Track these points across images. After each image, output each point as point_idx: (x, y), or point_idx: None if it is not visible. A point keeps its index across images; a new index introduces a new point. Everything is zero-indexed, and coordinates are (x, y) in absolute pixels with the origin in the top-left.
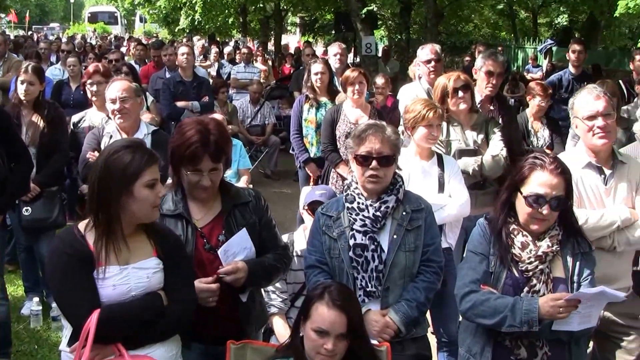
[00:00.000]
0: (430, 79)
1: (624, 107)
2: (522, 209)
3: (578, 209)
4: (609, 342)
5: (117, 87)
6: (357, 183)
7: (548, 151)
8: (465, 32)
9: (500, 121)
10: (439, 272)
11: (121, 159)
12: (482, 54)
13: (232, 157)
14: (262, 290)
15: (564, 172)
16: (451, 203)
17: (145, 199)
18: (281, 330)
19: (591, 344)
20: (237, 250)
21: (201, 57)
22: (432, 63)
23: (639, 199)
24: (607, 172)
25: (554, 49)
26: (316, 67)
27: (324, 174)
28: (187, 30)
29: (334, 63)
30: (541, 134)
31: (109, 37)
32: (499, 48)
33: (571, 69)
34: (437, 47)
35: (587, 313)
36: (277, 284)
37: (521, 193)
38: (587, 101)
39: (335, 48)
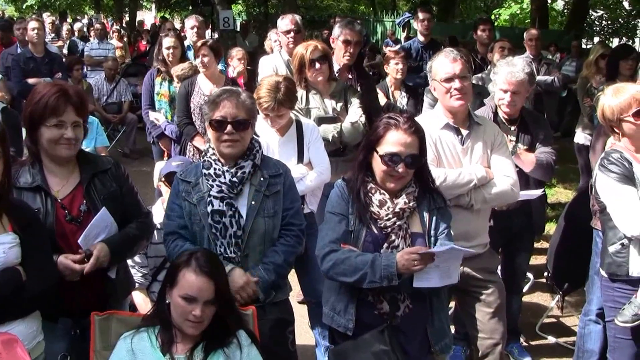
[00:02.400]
0: (289, 49)
1: (478, 75)
2: (379, 168)
3: (437, 168)
4: (469, 297)
5: None
6: (213, 149)
7: None
8: (324, 6)
9: (358, 89)
10: (300, 235)
11: None
12: (339, 23)
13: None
14: None
15: (417, 131)
16: (311, 173)
17: None
18: (142, 304)
19: (453, 304)
20: (99, 231)
21: (52, 35)
22: (292, 34)
23: (494, 159)
24: (464, 132)
25: (412, 22)
26: (167, 41)
27: (181, 148)
28: (36, 7)
29: (191, 36)
30: (400, 103)
31: None
32: (357, 22)
33: (420, 37)
34: (298, 17)
35: (445, 268)
36: (137, 259)
37: (377, 152)
38: (444, 64)
39: (192, 21)
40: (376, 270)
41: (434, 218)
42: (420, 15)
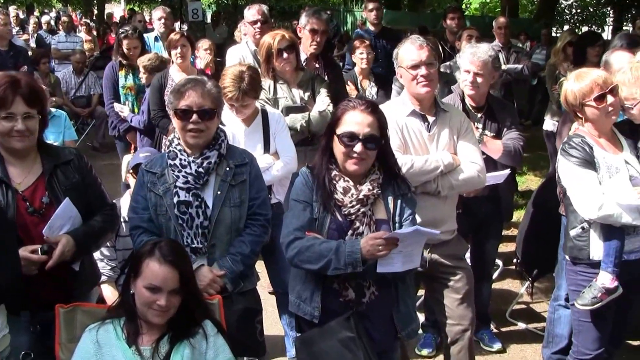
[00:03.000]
0: (256, 40)
1: (446, 63)
2: (339, 150)
3: (403, 155)
4: (437, 284)
5: None
6: (179, 139)
7: None
8: None
9: (326, 78)
10: (266, 224)
11: None
12: (306, 12)
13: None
14: None
15: (375, 112)
16: (277, 163)
17: None
18: (111, 297)
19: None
20: (63, 222)
21: (17, 28)
22: (259, 24)
23: (460, 145)
24: (430, 119)
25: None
26: (128, 42)
27: (155, 141)
28: (2, 1)
29: (159, 27)
30: (369, 92)
31: None
32: (328, 12)
33: (370, 27)
34: (265, 7)
35: (408, 253)
36: (106, 252)
37: (336, 134)
38: (411, 51)
39: (159, 12)
40: (340, 256)
41: (399, 204)
42: (370, 5)
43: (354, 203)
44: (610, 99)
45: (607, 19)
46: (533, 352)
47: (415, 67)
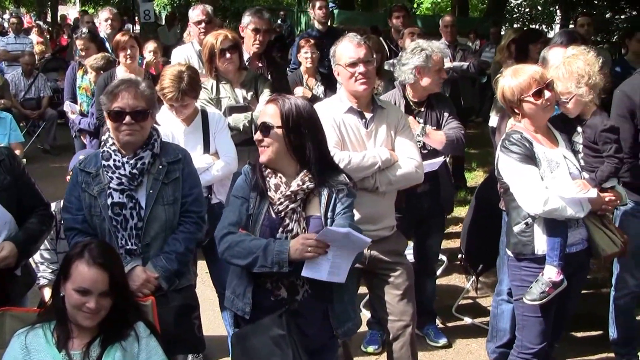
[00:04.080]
0: (201, 40)
1: (390, 61)
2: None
3: (341, 151)
4: (378, 280)
5: None
6: (113, 139)
7: None
8: None
9: (269, 77)
10: (200, 222)
11: None
12: (248, 11)
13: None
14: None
15: (274, 101)
16: (217, 163)
17: None
18: None
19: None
20: None
21: None
22: (203, 24)
23: (398, 141)
24: (368, 116)
25: (336, 12)
26: (79, 43)
27: (100, 141)
28: None
29: (105, 28)
30: (316, 91)
31: None
32: (281, 12)
33: (317, 25)
34: (209, 8)
35: (336, 264)
36: (47, 255)
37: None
38: (349, 48)
39: (105, 13)
40: (268, 255)
41: (332, 200)
42: (317, 3)
43: (282, 200)
44: (547, 94)
45: (555, 18)
46: (478, 346)
47: (353, 64)
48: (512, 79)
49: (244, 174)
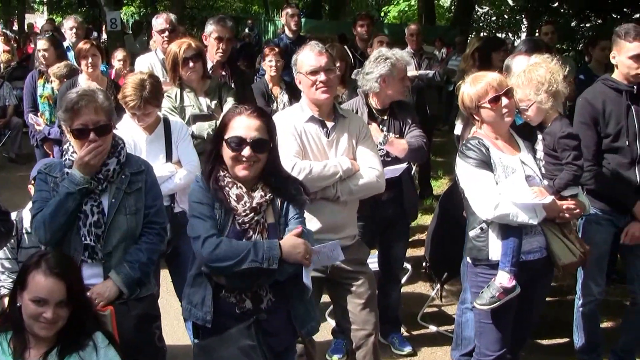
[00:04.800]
0: (164, 48)
1: (356, 70)
2: (227, 156)
3: (302, 161)
4: (340, 289)
5: None
6: (74, 147)
7: None
8: (217, 6)
9: (233, 86)
10: (162, 233)
11: None
12: (211, 20)
13: None
14: None
15: (262, 116)
16: (180, 171)
17: None
18: None
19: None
20: None
21: None
22: (167, 33)
23: (359, 151)
24: (329, 125)
25: (303, 20)
26: (40, 44)
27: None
28: None
29: (70, 37)
30: (281, 99)
31: None
32: (249, 21)
33: (288, 33)
34: (173, 16)
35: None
36: (7, 264)
37: (224, 139)
38: (310, 57)
39: (70, 22)
40: (259, 250)
41: (285, 206)
42: (290, 10)
43: (248, 212)
44: (504, 101)
45: (522, 26)
46: (443, 354)
47: (314, 72)
48: (470, 86)
49: (200, 182)
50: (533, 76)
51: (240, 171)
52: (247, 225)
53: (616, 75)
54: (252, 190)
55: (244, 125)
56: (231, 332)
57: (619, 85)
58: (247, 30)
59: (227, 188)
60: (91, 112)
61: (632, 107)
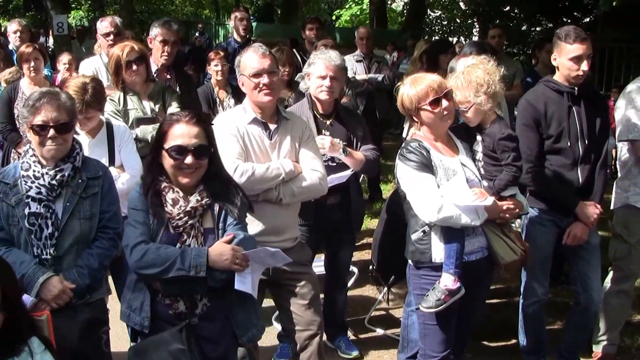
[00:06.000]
0: (108, 52)
1: (301, 73)
2: (168, 164)
3: (244, 163)
4: (283, 291)
5: None
6: (34, 150)
7: None
8: (168, 10)
9: (178, 90)
10: (116, 238)
11: None
12: (156, 23)
13: None
14: None
15: (201, 122)
16: (123, 175)
17: None
18: None
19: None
20: None
21: None
22: (111, 36)
23: (302, 153)
24: (272, 127)
25: (254, 24)
26: None
27: (4, 155)
28: None
29: (14, 41)
30: (227, 103)
31: None
32: (199, 25)
33: (236, 37)
34: (118, 19)
35: (255, 278)
36: None
37: (164, 149)
38: (253, 59)
39: (14, 25)
40: (186, 258)
41: (224, 212)
42: (239, 14)
43: (182, 215)
44: (444, 103)
45: (474, 30)
46: (390, 357)
47: (257, 75)
48: (410, 88)
49: (138, 190)
50: (472, 78)
51: (183, 179)
52: (182, 229)
53: (557, 77)
54: (191, 194)
55: (183, 133)
56: (164, 335)
57: (560, 87)
58: (197, 35)
59: (164, 192)
60: (53, 110)
61: (574, 108)
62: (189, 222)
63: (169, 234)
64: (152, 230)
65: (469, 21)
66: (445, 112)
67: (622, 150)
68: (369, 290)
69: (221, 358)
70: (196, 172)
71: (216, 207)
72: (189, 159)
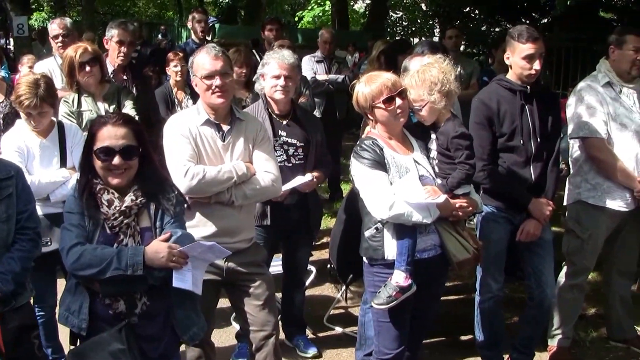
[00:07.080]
0: (60, 53)
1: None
2: (98, 166)
3: (196, 165)
4: (238, 291)
5: None
6: None
7: None
8: (131, 12)
9: (134, 90)
10: (36, 237)
11: None
12: (112, 23)
13: None
14: None
15: (128, 123)
16: (74, 177)
17: None
18: None
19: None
20: None
21: None
22: (60, 38)
23: (256, 155)
24: (225, 128)
25: (217, 26)
26: None
27: None
28: None
29: None
30: (185, 104)
31: None
32: (162, 27)
33: (194, 38)
34: (68, 21)
35: (196, 275)
36: None
37: (93, 151)
38: (205, 61)
39: None
40: (122, 258)
41: (160, 211)
42: (197, 15)
43: (117, 215)
44: (398, 101)
45: (435, 31)
46: (348, 355)
47: (209, 77)
48: (365, 86)
49: (73, 190)
50: (426, 76)
51: (113, 180)
52: (118, 229)
53: (510, 75)
54: (126, 194)
55: (110, 135)
56: (103, 335)
57: (512, 86)
58: (160, 36)
59: (99, 194)
60: None
61: (526, 106)
62: (125, 221)
63: (105, 234)
64: (89, 231)
65: (430, 22)
66: (399, 111)
67: (574, 148)
68: (327, 289)
69: (162, 356)
70: (126, 172)
71: (152, 207)
72: (116, 160)
